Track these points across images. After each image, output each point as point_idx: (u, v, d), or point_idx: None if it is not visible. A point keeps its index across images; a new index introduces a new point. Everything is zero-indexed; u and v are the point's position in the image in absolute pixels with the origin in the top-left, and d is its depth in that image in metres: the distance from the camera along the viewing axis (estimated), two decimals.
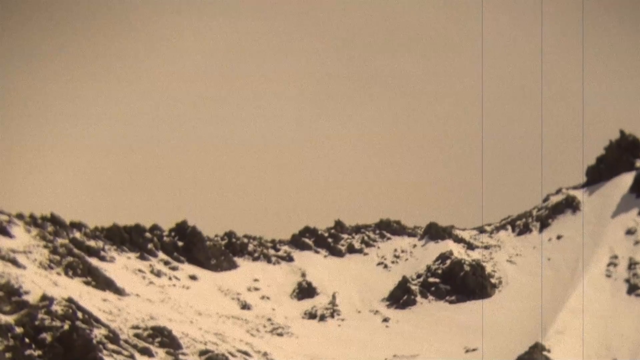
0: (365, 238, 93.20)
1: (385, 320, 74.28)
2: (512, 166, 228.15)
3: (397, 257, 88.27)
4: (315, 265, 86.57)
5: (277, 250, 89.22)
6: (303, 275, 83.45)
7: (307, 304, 77.73)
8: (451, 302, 77.58)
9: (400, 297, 78.48)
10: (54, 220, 71.12)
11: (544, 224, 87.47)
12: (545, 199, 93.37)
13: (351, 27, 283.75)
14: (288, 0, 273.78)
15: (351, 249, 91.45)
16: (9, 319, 42.28)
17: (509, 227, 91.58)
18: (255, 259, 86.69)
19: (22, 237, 61.37)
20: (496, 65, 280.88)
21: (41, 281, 52.12)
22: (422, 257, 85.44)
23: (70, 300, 46.72)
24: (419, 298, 78.35)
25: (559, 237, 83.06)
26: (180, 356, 49.91)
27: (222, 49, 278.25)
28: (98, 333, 45.12)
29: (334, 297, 79.10)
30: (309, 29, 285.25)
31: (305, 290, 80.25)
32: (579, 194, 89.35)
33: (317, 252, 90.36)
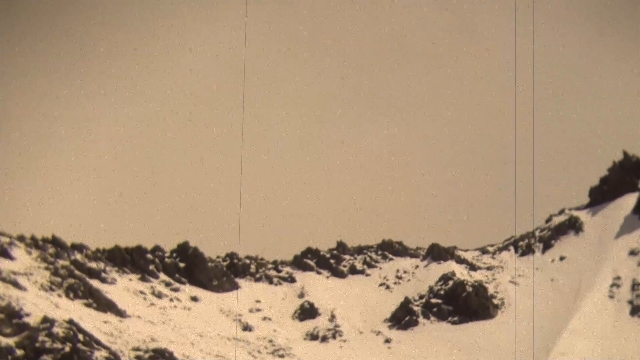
0: (368, 259, 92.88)
1: (387, 341, 74.03)
2: (515, 187, 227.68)
3: (400, 278, 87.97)
4: (317, 286, 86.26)
5: (279, 271, 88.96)
6: (305, 296, 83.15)
7: (308, 325, 77.41)
8: (453, 323, 77.28)
9: (403, 318, 78.20)
10: (55, 242, 71.03)
11: (546, 245, 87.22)
12: (548, 220, 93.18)
13: (356, 47, 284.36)
14: (294, 16, 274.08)
15: (353, 270, 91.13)
16: (10, 341, 42.21)
17: (512, 248, 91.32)
18: (257, 280, 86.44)
19: (23, 259, 61.30)
20: (497, 84, 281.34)
21: (42, 303, 52.02)
22: (424, 278, 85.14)
23: (71, 322, 46.64)
24: (421, 319, 78.07)
25: (562, 258, 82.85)
26: None
27: (225, 68, 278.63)
28: (99, 355, 44.99)
29: (332, 315, 79.06)
30: (313, 48, 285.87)
31: (307, 312, 79.93)
32: (582, 215, 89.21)
33: (319, 273, 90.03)
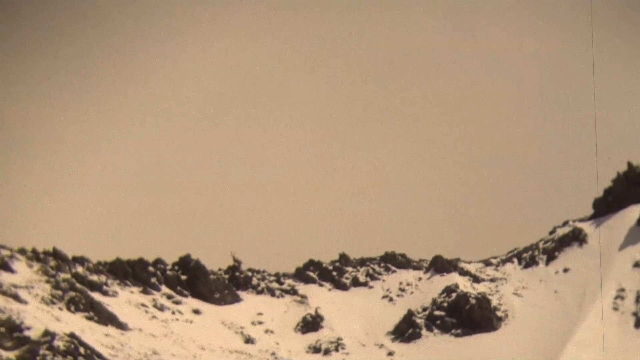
0: (370, 271, 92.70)
1: (391, 354, 73.74)
2: (519, 198, 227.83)
3: (403, 290, 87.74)
4: (319, 298, 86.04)
5: (281, 283, 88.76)
6: (307, 308, 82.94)
7: (311, 337, 77.18)
8: (457, 335, 77.00)
9: (406, 330, 77.93)
10: (56, 254, 70.77)
11: (550, 257, 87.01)
12: (552, 232, 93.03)
13: (359, 59, 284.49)
14: (301, 22, 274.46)
15: (356, 282, 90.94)
16: (11, 355, 41.99)
17: (515, 260, 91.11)
18: (259, 293, 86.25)
19: (24, 272, 61.06)
20: (502, 93, 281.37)
21: (43, 316, 51.80)
22: (427, 290, 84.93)
23: (72, 335, 46.43)
24: (424, 331, 77.81)
25: (565, 270, 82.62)
26: None
27: (229, 80, 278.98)
28: None
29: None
30: (318, 60, 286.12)
31: (309, 324, 79.67)
32: (586, 227, 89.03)
33: (321, 285, 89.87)
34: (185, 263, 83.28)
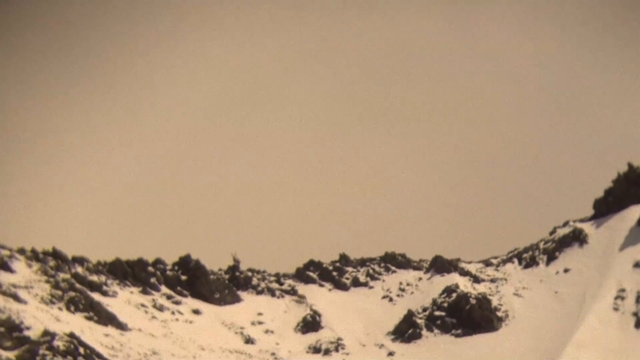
0: (370, 271, 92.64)
1: (391, 354, 73.62)
2: (519, 198, 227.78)
3: (403, 290, 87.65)
4: (319, 298, 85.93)
5: (282, 284, 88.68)
6: (307, 308, 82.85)
7: (311, 337, 77.05)
8: (457, 335, 76.89)
9: (406, 330, 77.82)
10: (55, 254, 70.67)
11: (551, 257, 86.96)
12: (552, 232, 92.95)
13: (360, 60, 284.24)
14: (302, 25, 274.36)
15: (356, 283, 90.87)
16: (10, 354, 41.87)
17: (516, 260, 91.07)
18: (259, 293, 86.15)
19: (23, 272, 60.95)
20: (502, 95, 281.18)
21: (43, 316, 51.70)
22: (427, 290, 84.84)
23: (72, 335, 46.29)
24: (424, 332, 77.70)
25: (566, 270, 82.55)
26: None
27: (230, 81, 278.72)
28: None
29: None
30: (318, 59, 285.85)
31: (309, 324, 79.55)
32: (586, 227, 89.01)
33: (321, 285, 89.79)
34: (185, 263, 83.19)
